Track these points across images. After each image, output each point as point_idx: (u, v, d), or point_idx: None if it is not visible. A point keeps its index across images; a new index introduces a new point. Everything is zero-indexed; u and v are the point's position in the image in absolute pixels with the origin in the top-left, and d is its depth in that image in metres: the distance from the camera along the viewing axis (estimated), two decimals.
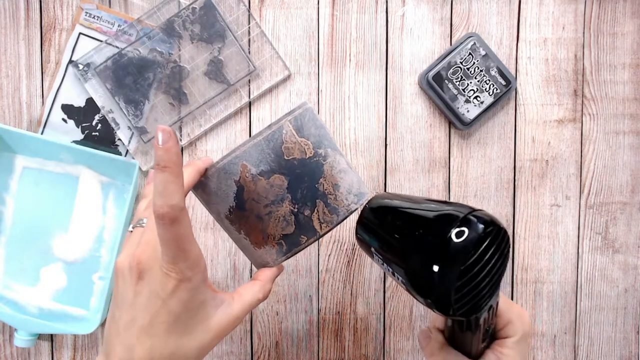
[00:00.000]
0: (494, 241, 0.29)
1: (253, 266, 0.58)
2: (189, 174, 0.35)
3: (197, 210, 0.58)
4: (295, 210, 0.36)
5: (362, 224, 0.37)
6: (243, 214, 0.37)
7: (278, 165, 0.36)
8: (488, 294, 0.30)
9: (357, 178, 0.40)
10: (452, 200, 0.59)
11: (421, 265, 0.30)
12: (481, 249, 0.29)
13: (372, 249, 0.36)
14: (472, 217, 0.29)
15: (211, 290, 0.34)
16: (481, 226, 0.29)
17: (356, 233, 0.38)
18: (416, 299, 0.32)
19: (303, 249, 0.37)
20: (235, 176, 0.36)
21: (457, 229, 0.29)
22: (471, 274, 0.29)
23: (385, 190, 0.58)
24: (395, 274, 0.33)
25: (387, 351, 0.59)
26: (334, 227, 0.37)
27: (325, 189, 0.37)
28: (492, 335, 0.37)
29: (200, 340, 0.33)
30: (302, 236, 0.37)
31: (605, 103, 0.59)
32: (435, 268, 0.29)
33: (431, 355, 0.38)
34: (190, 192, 0.38)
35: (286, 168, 0.36)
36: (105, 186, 0.57)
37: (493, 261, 0.29)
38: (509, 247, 0.31)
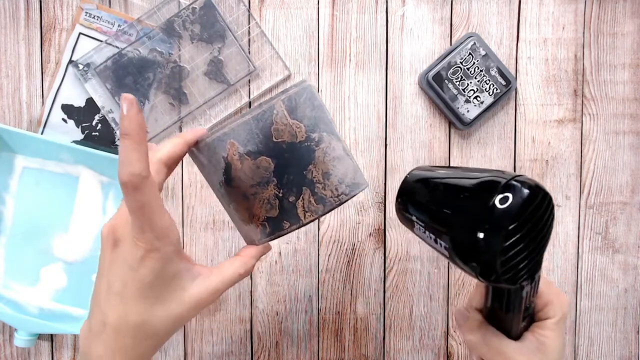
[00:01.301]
0: (539, 205, 0.29)
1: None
2: (175, 144, 0.35)
3: (196, 210, 0.58)
4: (280, 195, 0.35)
5: (403, 195, 0.37)
6: (232, 190, 0.36)
7: (266, 147, 0.34)
8: (533, 260, 0.31)
9: (353, 166, 0.37)
10: None
11: (466, 233, 0.30)
12: (526, 213, 0.29)
13: (414, 219, 0.35)
14: (515, 183, 0.29)
15: (186, 262, 0.34)
16: (526, 191, 0.29)
17: (396, 204, 0.37)
18: (459, 267, 0.32)
19: (286, 234, 0.36)
20: (224, 152, 0.35)
21: (501, 195, 0.29)
22: (515, 238, 0.29)
23: (385, 190, 0.58)
24: (439, 242, 0.33)
25: (387, 351, 0.59)
26: (320, 216, 0.36)
27: (314, 177, 0.35)
28: (531, 318, 0.37)
29: (173, 311, 0.33)
30: (285, 222, 0.35)
31: (605, 103, 0.59)
32: (480, 235, 0.29)
33: (470, 332, 0.37)
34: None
35: (274, 151, 0.34)
36: (105, 186, 0.57)
37: (539, 226, 0.30)
38: (553, 212, 0.31)
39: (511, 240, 0.29)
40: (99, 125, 0.57)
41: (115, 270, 0.33)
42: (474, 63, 0.55)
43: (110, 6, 0.56)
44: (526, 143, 0.59)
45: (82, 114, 0.56)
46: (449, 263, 0.59)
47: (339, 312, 0.58)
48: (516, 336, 0.36)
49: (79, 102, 0.56)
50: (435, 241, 0.33)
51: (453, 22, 0.58)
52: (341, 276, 0.58)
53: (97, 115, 0.57)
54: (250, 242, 0.38)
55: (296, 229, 0.36)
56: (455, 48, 0.56)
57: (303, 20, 0.57)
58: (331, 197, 0.35)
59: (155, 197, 0.31)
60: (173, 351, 0.58)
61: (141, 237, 0.31)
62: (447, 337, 0.59)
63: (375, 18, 0.58)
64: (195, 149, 0.36)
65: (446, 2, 0.58)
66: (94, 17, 0.56)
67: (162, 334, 0.34)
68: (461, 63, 0.55)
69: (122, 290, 0.32)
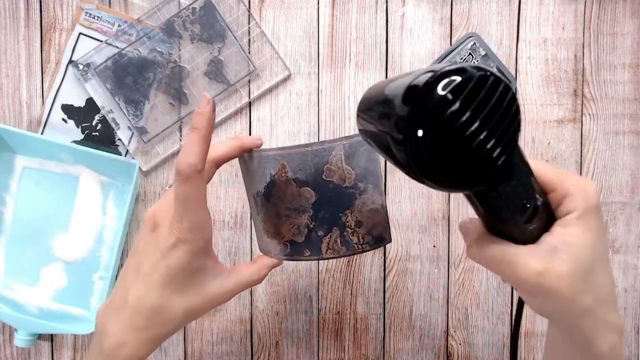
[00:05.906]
0: (479, 89, 0.24)
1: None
2: (231, 147, 0.37)
3: None
4: (311, 226, 0.37)
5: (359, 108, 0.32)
6: (267, 204, 0.38)
7: (314, 181, 0.36)
8: (496, 152, 0.25)
9: (384, 222, 0.39)
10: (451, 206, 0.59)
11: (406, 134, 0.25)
12: (475, 96, 0.24)
13: (365, 129, 0.31)
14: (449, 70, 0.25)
15: (212, 260, 0.36)
16: (468, 74, 0.24)
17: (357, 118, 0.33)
18: (400, 168, 0.27)
19: (303, 260, 0.38)
20: (273, 170, 0.37)
21: (444, 81, 0.24)
22: (469, 126, 0.24)
23: (385, 190, 0.58)
24: (377, 145, 0.29)
25: (387, 351, 0.59)
26: (339, 257, 0.38)
27: (347, 221, 0.37)
28: (549, 217, 0.31)
29: (191, 303, 0.35)
30: (306, 250, 0.37)
31: (605, 103, 0.59)
32: (419, 132, 0.24)
33: (469, 246, 0.33)
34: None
35: (320, 187, 0.36)
36: (105, 186, 0.57)
37: (484, 113, 0.25)
38: (511, 99, 0.25)
39: (446, 127, 0.24)
40: (99, 125, 0.57)
41: (147, 252, 0.34)
42: (474, 63, 0.56)
43: (110, 6, 0.56)
44: (526, 143, 0.59)
45: (82, 114, 0.56)
46: (448, 263, 0.59)
47: (339, 312, 0.58)
48: (527, 240, 0.30)
49: (79, 102, 0.56)
50: (380, 147, 0.29)
51: (453, 22, 0.58)
52: (341, 276, 0.58)
53: (97, 115, 0.57)
54: (264, 252, 0.40)
55: (314, 260, 0.38)
56: (455, 48, 0.56)
57: (303, 20, 0.57)
58: (356, 243, 0.37)
59: (202, 192, 0.33)
60: (173, 351, 0.58)
61: (178, 225, 0.33)
62: (447, 337, 0.59)
63: (375, 18, 0.58)
64: (247, 155, 0.38)
65: (446, 2, 0.58)
66: (94, 17, 0.56)
67: (176, 323, 0.35)
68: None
69: (149, 273, 0.34)
